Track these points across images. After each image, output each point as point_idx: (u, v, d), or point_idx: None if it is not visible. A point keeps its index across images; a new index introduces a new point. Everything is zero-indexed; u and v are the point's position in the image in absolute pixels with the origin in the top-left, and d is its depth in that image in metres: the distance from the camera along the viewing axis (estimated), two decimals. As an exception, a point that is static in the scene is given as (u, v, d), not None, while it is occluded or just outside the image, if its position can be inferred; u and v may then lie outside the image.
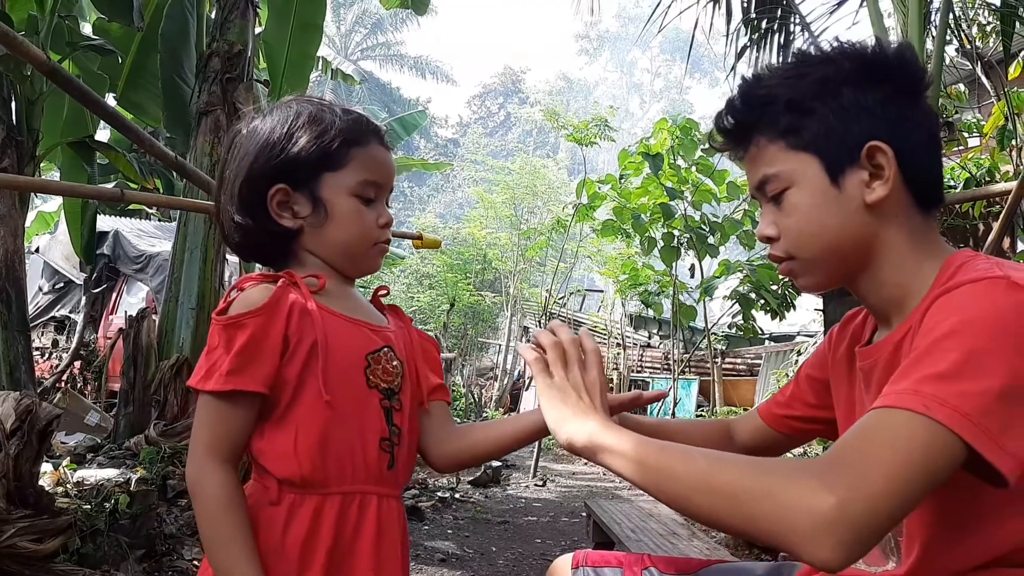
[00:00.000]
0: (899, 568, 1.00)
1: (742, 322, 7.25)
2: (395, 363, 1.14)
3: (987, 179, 5.04)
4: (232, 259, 6.28)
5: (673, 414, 7.49)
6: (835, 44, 1.02)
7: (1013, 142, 5.06)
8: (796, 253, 1.03)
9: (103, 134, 6.91)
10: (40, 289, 10.52)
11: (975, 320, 0.82)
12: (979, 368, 0.79)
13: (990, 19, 5.71)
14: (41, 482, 3.01)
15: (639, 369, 11.88)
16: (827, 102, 0.98)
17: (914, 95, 1.00)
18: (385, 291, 1.25)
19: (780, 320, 7.12)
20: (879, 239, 0.99)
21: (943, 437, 0.77)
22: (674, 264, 7.32)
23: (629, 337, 10.66)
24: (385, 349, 1.13)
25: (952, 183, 5.55)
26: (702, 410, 9.10)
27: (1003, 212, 3.94)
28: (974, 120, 6.33)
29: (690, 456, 0.86)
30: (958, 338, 0.81)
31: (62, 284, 10.57)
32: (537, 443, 7.69)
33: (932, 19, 4.36)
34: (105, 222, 9.24)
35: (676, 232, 7.12)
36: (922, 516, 0.96)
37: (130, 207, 9.67)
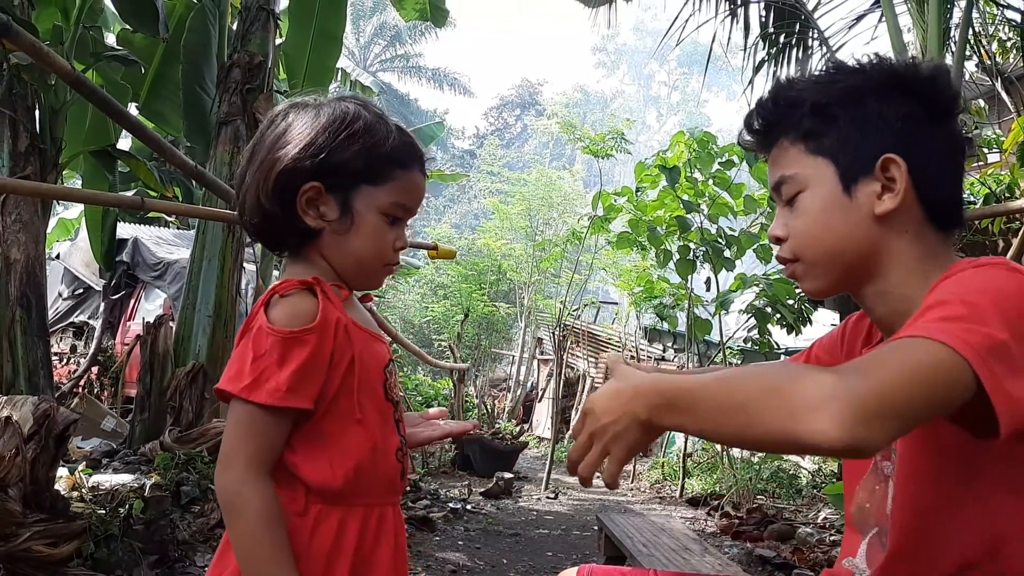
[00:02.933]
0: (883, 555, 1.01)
1: (758, 336, 7.20)
2: (398, 375, 1.17)
3: (1007, 195, 4.99)
4: (249, 267, 6.32)
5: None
6: (871, 56, 1.04)
7: (1033, 158, 5.00)
8: (800, 255, 1.05)
9: (124, 143, 7.00)
10: (60, 295, 10.62)
11: (977, 289, 0.85)
12: (984, 319, 0.81)
13: (1010, 35, 5.68)
14: (57, 486, 3.04)
15: (653, 382, 11.78)
16: (850, 110, 1.00)
17: (942, 117, 1.01)
18: (370, 300, 1.25)
19: (796, 335, 7.06)
20: (885, 251, 1.00)
21: (953, 360, 0.78)
22: (690, 277, 7.28)
23: (643, 350, 10.63)
24: (392, 362, 1.16)
25: (971, 199, 5.51)
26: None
27: (1023, 228, 3.91)
28: (994, 136, 6.28)
29: (704, 385, 0.85)
30: (961, 299, 0.84)
31: (81, 290, 10.67)
32: (549, 456, 7.66)
33: (952, 35, 4.34)
34: (125, 229, 9.34)
35: (692, 245, 7.09)
36: (908, 507, 0.98)
37: (149, 215, 9.76)
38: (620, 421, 0.90)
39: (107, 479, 3.78)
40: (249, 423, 1.01)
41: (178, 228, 10.80)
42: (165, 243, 9.82)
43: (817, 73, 1.07)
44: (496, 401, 13.07)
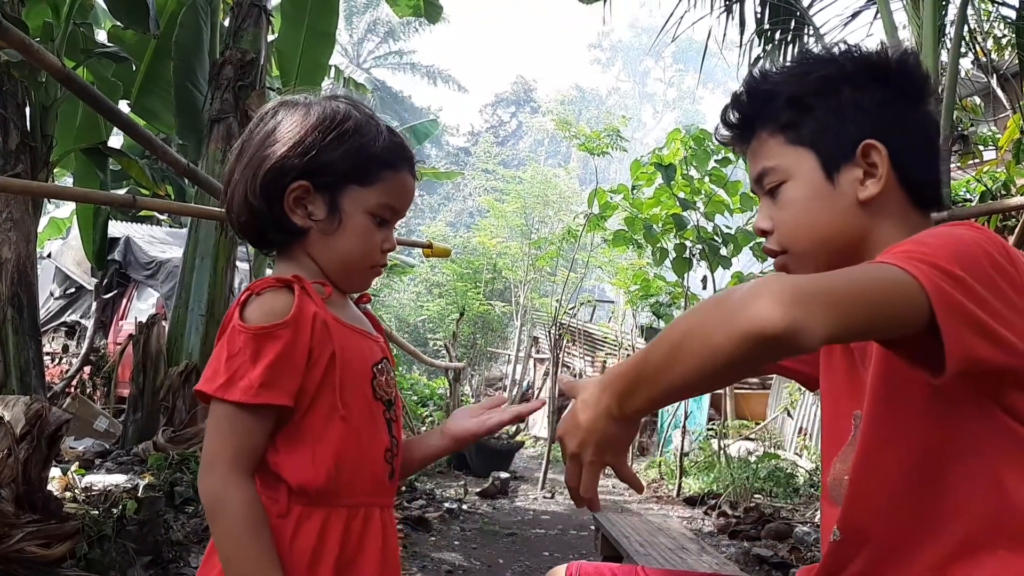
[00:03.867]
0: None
1: (754, 334, 7.19)
2: (392, 374, 1.15)
3: (1003, 192, 5.00)
4: (242, 266, 6.29)
5: (684, 428, 7.44)
6: (843, 46, 1.06)
7: (1030, 155, 5.01)
8: (788, 246, 1.05)
9: (116, 140, 6.96)
10: (51, 294, 10.57)
11: (933, 234, 0.88)
12: (936, 256, 0.81)
13: (1005, 32, 5.68)
14: (49, 487, 3.02)
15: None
16: (827, 99, 1.02)
17: (915, 99, 1.03)
18: (367, 300, 1.23)
19: (792, 333, 7.08)
20: (872, 236, 1.01)
21: (903, 278, 0.79)
22: (686, 275, 7.27)
23: (640, 348, 10.63)
24: (384, 360, 1.14)
25: (968, 196, 5.51)
26: (713, 423, 9.05)
27: (1019, 226, 3.90)
28: (989, 133, 6.29)
29: (653, 341, 0.86)
30: (915, 241, 0.86)
31: (73, 289, 10.62)
32: (546, 455, 7.65)
33: (947, 32, 4.34)
34: (117, 228, 9.29)
35: (688, 243, 7.08)
36: (865, 477, 0.97)
37: (141, 213, 9.72)
38: (596, 428, 0.90)
39: (100, 479, 3.75)
40: (228, 423, 1.00)
41: (170, 226, 10.75)
42: (157, 242, 9.78)
43: (789, 65, 1.09)
44: (491, 400, 13.03)
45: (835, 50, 1.05)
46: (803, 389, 8.75)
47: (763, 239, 1.11)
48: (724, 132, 1.11)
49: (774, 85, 1.05)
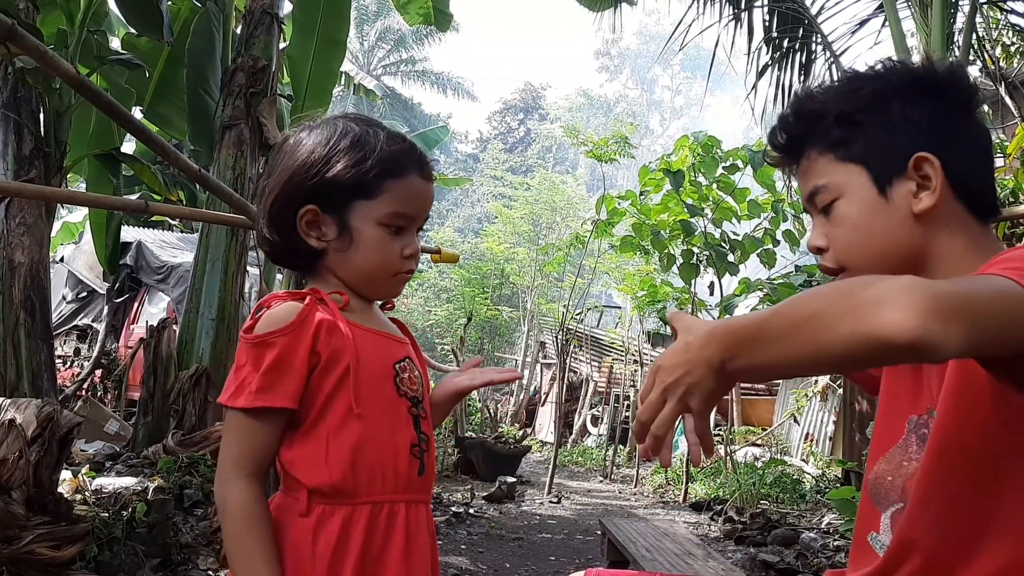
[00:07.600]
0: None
1: (761, 341, 7.17)
2: (416, 372, 1.17)
3: (1011, 200, 4.98)
4: (252, 271, 6.33)
5: (690, 433, 7.41)
6: (887, 61, 1.06)
7: (1038, 163, 4.99)
8: (845, 262, 1.05)
9: (129, 146, 7.02)
10: (64, 298, 10.64)
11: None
12: None
13: (1014, 40, 5.67)
14: (60, 489, 3.05)
15: (656, 387, 11.72)
16: (876, 115, 1.02)
17: (964, 111, 1.03)
18: (391, 307, 1.27)
19: (799, 339, 7.06)
20: (929, 248, 1.00)
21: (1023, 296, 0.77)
22: (693, 281, 7.28)
23: (647, 354, 10.61)
24: (407, 359, 1.17)
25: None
26: (720, 429, 9.03)
27: (1027, 234, 3.89)
28: (998, 141, 6.26)
29: (775, 309, 0.83)
30: (1014, 260, 0.83)
31: (85, 293, 10.68)
32: (552, 460, 7.66)
33: (955, 39, 4.34)
34: (129, 233, 9.34)
35: (696, 249, 7.09)
36: (926, 492, 0.96)
37: (153, 218, 9.79)
38: (694, 372, 0.86)
39: (110, 482, 3.79)
40: (234, 428, 1.06)
41: (182, 231, 10.81)
42: (169, 246, 9.84)
43: (835, 83, 1.09)
44: (499, 405, 13.06)
45: (879, 66, 1.05)
46: (809, 395, 8.73)
47: (816, 256, 1.10)
48: (774, 154, 1.11)
49: (822, 104, 1.05)
